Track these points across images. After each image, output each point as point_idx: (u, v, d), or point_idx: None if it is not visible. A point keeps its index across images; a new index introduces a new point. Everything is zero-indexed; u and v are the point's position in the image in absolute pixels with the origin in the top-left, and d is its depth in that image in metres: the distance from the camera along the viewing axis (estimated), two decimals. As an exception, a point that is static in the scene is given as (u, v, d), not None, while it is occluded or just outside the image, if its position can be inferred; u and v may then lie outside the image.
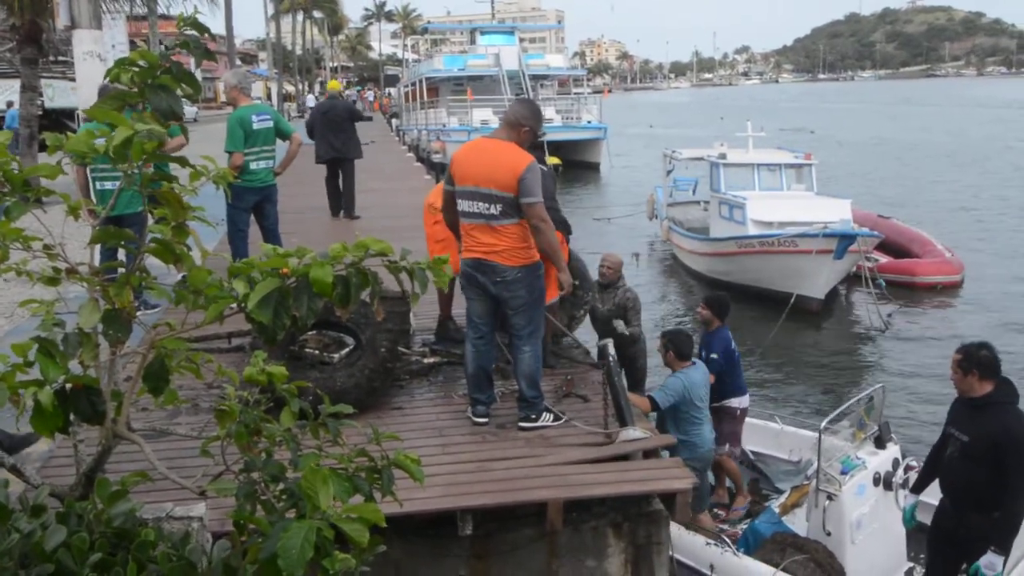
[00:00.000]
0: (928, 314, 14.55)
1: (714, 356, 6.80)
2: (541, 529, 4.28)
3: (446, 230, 6.34)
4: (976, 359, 4.85)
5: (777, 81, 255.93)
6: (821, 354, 12.72)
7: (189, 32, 2.24)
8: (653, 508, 4.51)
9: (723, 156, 16.39)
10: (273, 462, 2.08)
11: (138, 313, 6.01)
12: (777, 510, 6.47)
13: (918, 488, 5.57)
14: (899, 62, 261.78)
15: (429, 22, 71.37)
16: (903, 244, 16.85)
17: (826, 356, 12.67)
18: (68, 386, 2.05)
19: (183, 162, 2.10)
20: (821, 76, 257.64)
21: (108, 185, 6.84)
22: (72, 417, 2.09)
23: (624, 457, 4.71)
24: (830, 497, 5.80)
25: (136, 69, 2.11)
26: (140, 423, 3.70)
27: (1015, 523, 4.84)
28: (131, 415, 2.26)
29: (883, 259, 15.75)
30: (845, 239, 13.07)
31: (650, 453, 4.85)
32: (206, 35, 2.31)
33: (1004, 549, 4.79)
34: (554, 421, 5.07)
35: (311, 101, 46.38)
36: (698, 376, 6.32)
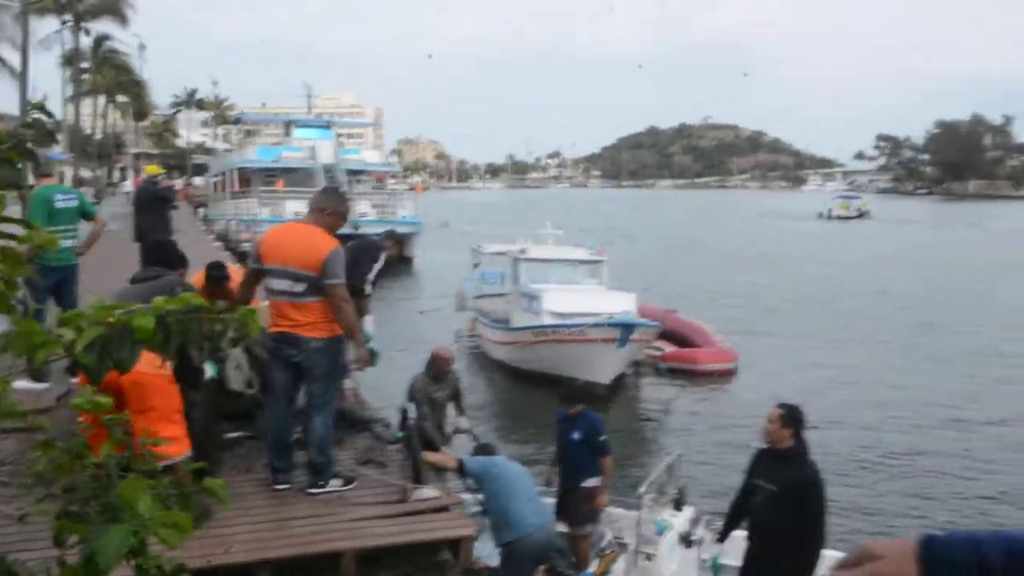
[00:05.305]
0: (706, 397, 16.02)
1: (575, 436, 7.39)
2: (337, 581, 4.63)
3: None
4: (797, 417, 5.66)
5: (586, 186, 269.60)
6: (608, 434, 13.64)
7: None
8: (441, 558, 4.97)
9: (523, 251, 17.55)
10: (93, 484, 2.41)
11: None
12: None
13: (723, 536, 6.22)
14: (694, 173, 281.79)
15: (243, 112, 70.43)
16: (686, 335, 18.43)
17: (612, 435, 13.60)
18: None
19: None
20: (625, 183, 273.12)
21: None
22: None
23: (416, 512, 5.18)
24: (648, 558, 6.29)
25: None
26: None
27: (816, 560, 5.52)
28: None
29: (668, 348, 17.27)
30: (627, 328, 14.32)
31: (441, 509, 5.35)
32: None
33: None
34: (344, 486, 5.43)
35: (128, 187, 43.94)
36: (501, 462, 6.74)
